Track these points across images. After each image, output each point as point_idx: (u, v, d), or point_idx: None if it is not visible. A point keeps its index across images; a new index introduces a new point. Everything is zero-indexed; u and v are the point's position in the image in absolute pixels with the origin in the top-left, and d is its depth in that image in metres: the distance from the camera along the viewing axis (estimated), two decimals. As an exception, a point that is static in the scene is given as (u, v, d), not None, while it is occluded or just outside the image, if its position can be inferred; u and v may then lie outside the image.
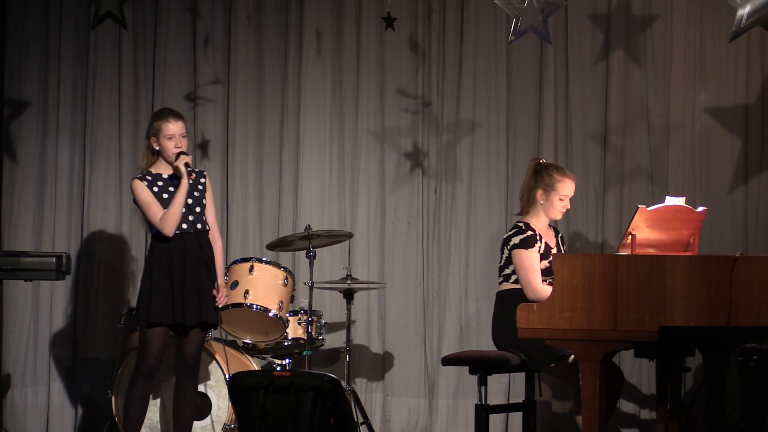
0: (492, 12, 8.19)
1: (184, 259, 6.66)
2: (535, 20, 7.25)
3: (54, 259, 7.08)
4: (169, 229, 6.64)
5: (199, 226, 6.73)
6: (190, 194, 6.72)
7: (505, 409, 7.68)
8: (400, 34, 8.21)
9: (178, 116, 6.76)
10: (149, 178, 6.71)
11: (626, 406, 7.91)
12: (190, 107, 8.46)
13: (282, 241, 7.74)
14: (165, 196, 6.67)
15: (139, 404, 6.69)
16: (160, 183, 6.70)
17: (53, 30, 8.56)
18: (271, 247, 7.77)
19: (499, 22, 8.20)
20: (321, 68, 8.40)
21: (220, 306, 6.74)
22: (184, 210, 6.67)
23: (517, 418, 7.70)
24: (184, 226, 6.68)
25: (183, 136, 6.72)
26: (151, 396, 7.04)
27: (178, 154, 6.67)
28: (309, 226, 7.64)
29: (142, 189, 6.68)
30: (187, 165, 6.65)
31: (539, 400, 7.30)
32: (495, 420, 7.89)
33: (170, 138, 6.69)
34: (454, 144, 8.26)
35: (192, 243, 6.69)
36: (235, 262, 7.61)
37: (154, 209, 6.66)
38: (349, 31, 8.38)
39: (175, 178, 6.70)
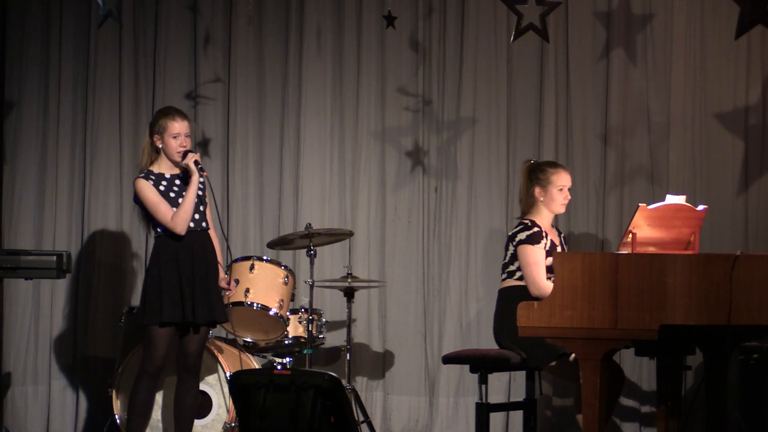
0: (492, 10, 8.19)
1: (193, 257, 6.66)
2: (534, 19, 7.25)
3: (54, 258, 7.08)
4: (181, 227, 6.62)
5: (203, 224, 6.75)
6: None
7: (506, 407, 7.68)
8: (401, 33, 8.21)
9: (184, 115, 6.76)
10: (153, 177, 6.69)
11: (627, 404, 7.90)
12: (190, 106, 8.46)
13: (282, 240, 7.74)
14: (171, 195, 6.67)
15: (144, 405, 6.67)
16: (164, 182, 6.69)
17: (53, 30, 8.56)
18: (271, 245, 7.77)
19: (499, 20, 8.20)
20: (321, 67, 8.40)
21: (232, 294, 6.88)
22: None
23: (517, 416, 7.70)
24: (191, 224, 6.68)
25: (187, 136, 6.72)
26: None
27: (186, 153, 6.66)
28: (309, 224, 7.65)
29: (148, 188, 6.65)
30: (196, 162, 6.65)
31: (540, 398, 7.30)
32: (495, 418, 7.89)
33: (176, 137, 6.68)
34: (454, 142, 8.26)
35: (199, 241, 6.70)
36: (236, 260, 7.61)
37: (164, 209, 6.63)
38: (349, 30, 8.38)
39: (177, 178, 6.69)
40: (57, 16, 8.57)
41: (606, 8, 8.08)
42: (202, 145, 8.45)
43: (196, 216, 6.71)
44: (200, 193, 6.75)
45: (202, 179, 6.75)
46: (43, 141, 8.55)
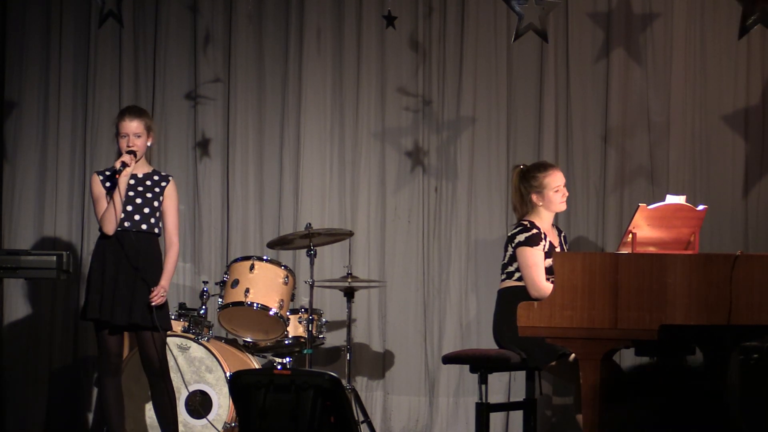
0: (492, 10, 8.19)
1: (120, 257, 6.63)
2: (534, 19, 7.25)
3: (54, 258, 7.08)
4: (106, 227, 6.65)
5: (144, 226, 6.69)
6: (141, 194, 6.70)
7: (506, 407, 7.68)
8: (401, 33, 8.21)
9: (135, 115, 6.73)
10: (107, 173, 6.73)
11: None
12: (190, 106, 8.46)
13: (282, 240, 7.74)
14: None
15: (114, 403, 6.68)
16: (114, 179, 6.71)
17: (53, 30, 8.56)
18: (271, 245, 7.77)
19: (499, 20, 8.21)
20: (321, 67, 8.40)
21: (153, 304, 6.62)
22: (130, 208, 6.66)
23: (517, 416, 7.70)
24: (127, 224, 6.67)
25: (137, 136, 6.69)
26: (151, 396, 7.05)
27: (124, 153, 6.67)
28: (309, 224, 7.64)
29: (95, 183, 6.73)
30: (123, 164, 6.62)
31: (540, 398, 7.30)
32: (495, 418, 7.89)
33: (123, 136, 6.69)
34: (454, 142, 8.26)
35: (131, 242, 6.64)
36: (236, 260, 7.61)
37: (100, 205, 6.69)
38: (349, 30, 8.38)
39: (133, 177, 6.69)
40: (57, 16, 8.57)
41: (606, 8, 8.08)
42: (202, 145, 8.45)
43: (136, 217, 6.68)
44: (149, 195, 6.73)
45: (149, 183, 6.74)
46: (43, 141, 8.55)
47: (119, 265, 6.63)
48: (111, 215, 6.63)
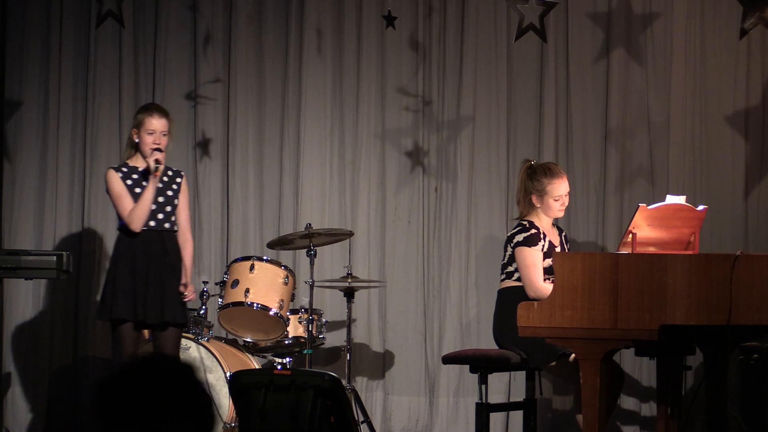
0: (492, 10, 8.20)
1: (149, 256, 6.61)
2: (535, 19, 7.25)
3: (54, 258, 7.07)
4: (136, 224, 6.60)
5: (166, 225, 6.69)
6: (162, 192, 6.70)
7: (506, 407, 7.68)
8: (401, 33, 8.21)
9: (163, 113, 6.73)
10: (124, 169, 6.70)
11: (627, 403, 7.91)
12: (190, 106, 8.46)
13: (282, 240, 7.74)
14: (137, 190, 6.64)
15: None
16: (134, 176, 6.68)
17: (53, 29, 8.56)
18: (271, 245, 7.77)
19: (499, 20, 8.21)
20: (321, 67, 8.40)
21: (187, 299, 6.67)
22: (154, 207, 6.65)
23: (517, 416, 7.70)
24: (152, 223, 6.65)
25: (164, 134, 6.68)
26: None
27: (154, 151, 6.65)
28: (309, 224, 7.64)
29: (115, 180, 6.67)
30: (157, 162, 6.61)
31: (540, 398, 7.30)
32: (495, 419, 7.89)
33: (151, 133, 6.67)
34: (454, 142, 8.26)
35: (157, 242, 6.64)
36: (236, 260, 7.61)
37: (125, 202, 6.64)
38: (349, 30, 8.38)
39: (149, 174, 6.69)
40: (57, 16, 8.56)
41: (606, 8, 8.08)
42: (202, 145, 8.45)
43: (159, 216, 6.67)
44: (169, 194, 6.73)
45: (166, 181, 6.73)
46: (43, 141, 8.55)
47: (149, 264, 6.61)
48: (144, 213, 6.59)
